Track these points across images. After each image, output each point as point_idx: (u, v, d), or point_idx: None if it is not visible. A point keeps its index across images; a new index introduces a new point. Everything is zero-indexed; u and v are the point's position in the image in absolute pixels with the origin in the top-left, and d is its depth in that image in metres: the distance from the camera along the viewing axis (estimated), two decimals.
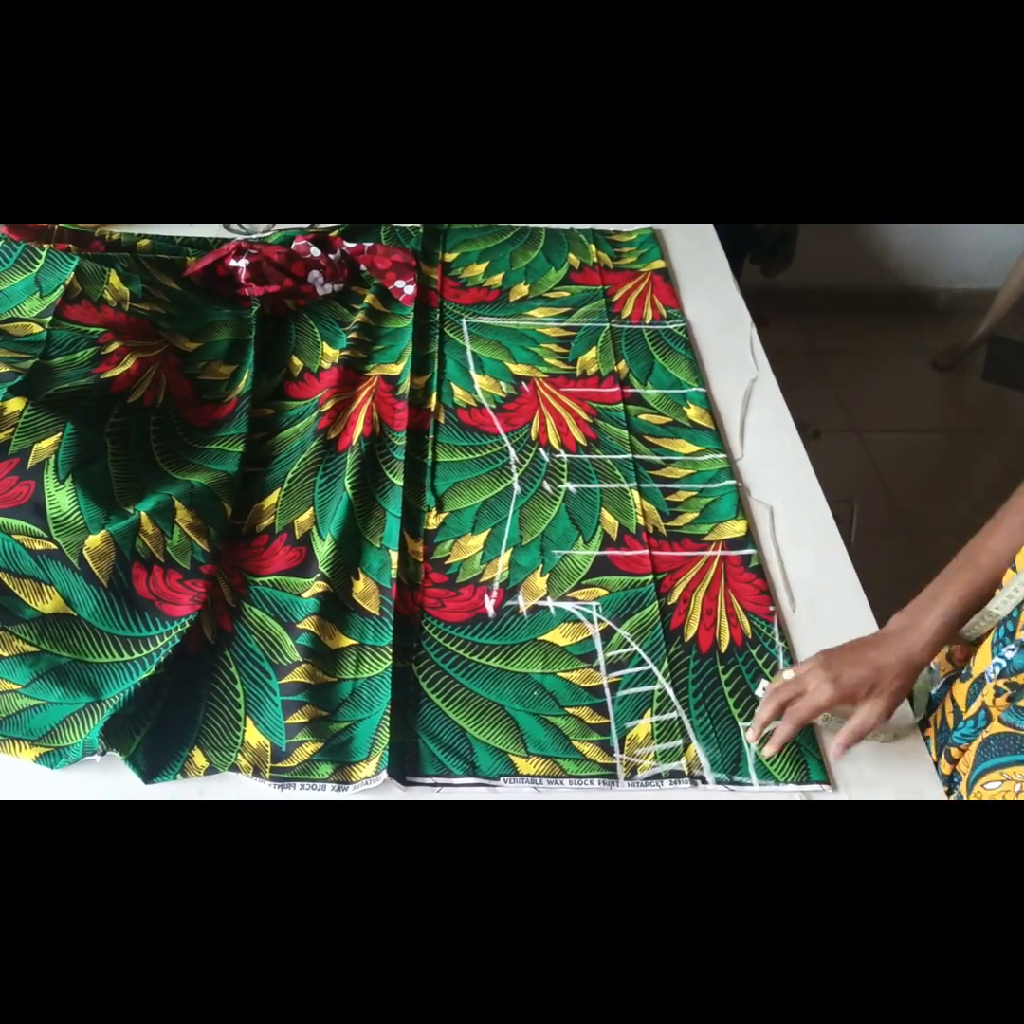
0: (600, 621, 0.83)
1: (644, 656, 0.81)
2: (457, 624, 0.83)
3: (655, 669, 0.80)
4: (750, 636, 0.83)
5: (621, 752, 0.74)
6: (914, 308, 2.50)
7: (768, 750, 0.71)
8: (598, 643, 0.82)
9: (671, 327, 1.16)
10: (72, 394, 0.85)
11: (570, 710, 0.77)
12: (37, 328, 0.91)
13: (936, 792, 0.73)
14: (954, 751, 0.72)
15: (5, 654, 0.72)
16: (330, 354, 1.07)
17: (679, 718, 0.76)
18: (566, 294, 1.20)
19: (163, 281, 1.05)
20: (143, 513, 0.79)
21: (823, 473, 0.99)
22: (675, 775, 0.73)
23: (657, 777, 0.73)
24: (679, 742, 0.75)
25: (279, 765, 0.72)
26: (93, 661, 0.74)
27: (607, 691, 0.79)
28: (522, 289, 1.21)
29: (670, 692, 0.78)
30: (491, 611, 0.84)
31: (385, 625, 0.81)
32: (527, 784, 0.72)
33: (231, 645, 0.79)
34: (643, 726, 0.76)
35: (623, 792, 0.72)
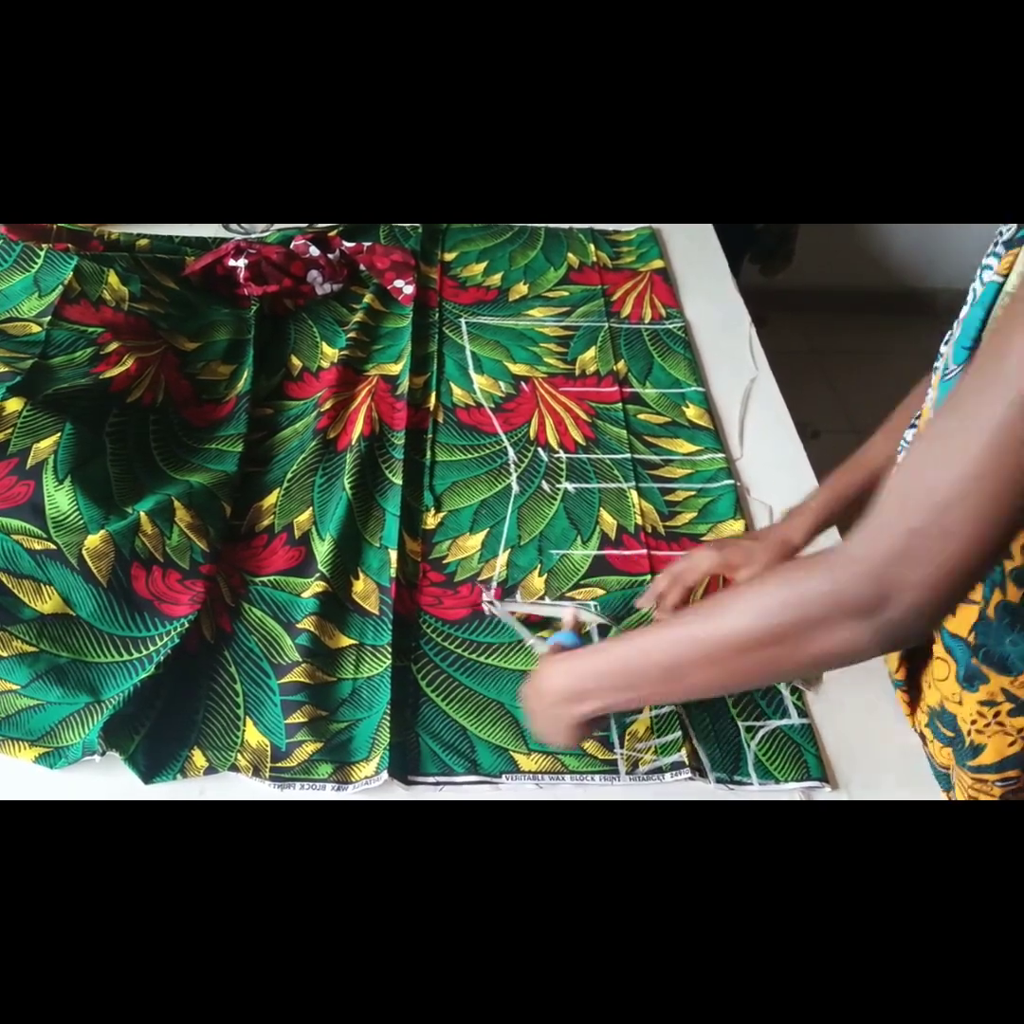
0: (599, 616, 0.83)
1: None
2: (455, 622, 0.83)
3: None
4: None
5: (621, 747, 0.75)
6: (914, 308, 2.49)
7: (642, 602, 0.81)
8: (596, 638, 0.82)
9: (670, 327, 1.16)
10: (71, 394, 0.85)
11: None
12: (36, 328, 0.91)
13: (936, 792, 0.73)
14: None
15: (4, 654, 0.72)
16: (329, 354, 1.07)
17: (677, 713, 0.76)
18: (565, 294, 1.20)
19: (162, 281, 1.05)
20: (142, 513, 0.79)
21: (823, 473, 0.98)
22: (676, 766, 0.73)
23: (658, 771, 0.73)
24: (678, 734, 0.75)
25: (279, 765, 0.72)
26: (92, 661, 0.74)
27: None
28: (521, 289, 1.21)
29: None
30: (489, 611, 0.84)
31: (385, 624, 0.81)
32: (529, 781, 0.72)
33: (230, 645, 0.79)
34: (642, 721, 0.76)
35: (625, 787, 0.72)
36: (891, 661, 0.74)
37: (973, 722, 0.65)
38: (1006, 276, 0.53)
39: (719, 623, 0.52)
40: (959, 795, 0.70)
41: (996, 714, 0.63)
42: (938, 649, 0.69)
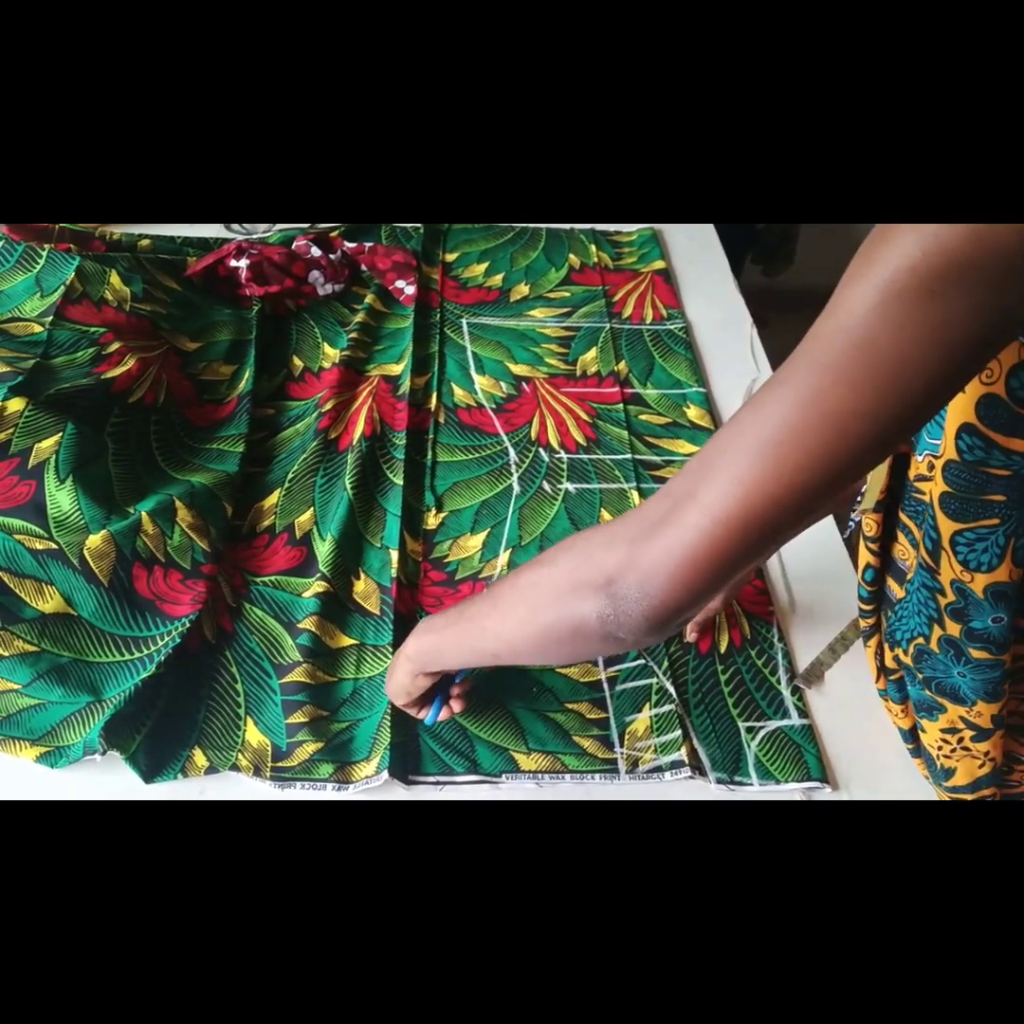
0: None
1: (645, 656, 0.81)
2: None
3: (654, 666, 0.80)
4: (749, 637, 0.83)
5: (621, 746, 0.75)
6: None
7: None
8: None
9: (671, 327, 1.16)
10: (73, 394, 0.85)
11: (569, 705, 0.77)
12: (38, 328, 0.91)
13: (936, 792, 0.73)
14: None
15: (6, 654, 0.72)
16: (331, 354, 1.08)
17: (676, 712, 0.76)
18: (566, 294, 1.20)
19: (164, 281, 1.05)
20: (144, 513, 0.79)
21: None
22: (676, 765, 0.73)
23: (658, 770, 0.73)
24: (678, 733, 0.75)
25: (279, 765, 0.72)
26: (94, 661, 0.75)
27: (606, 686, 0.79)
28: (522, 289, 1.21)
29: (670, 688, 0.78)
30: None
31: (385, 624, 0.81)
32: (529, 780, 0.72)
33: (232, 645, 0.80)
34: (642, 720, 0.76)
35: (625, 786, 0.72)
36: (872, 673, 0.75)
37: (939, 748, 0.65)
38: None
39: (516, 624, 0.54)
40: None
41: (960, 740, 0.64)
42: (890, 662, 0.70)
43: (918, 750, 0.71)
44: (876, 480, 0.65)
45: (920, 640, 0.63)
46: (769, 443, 0.41)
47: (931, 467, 0.58)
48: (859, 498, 0.71)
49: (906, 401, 0.39)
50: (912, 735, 0.70)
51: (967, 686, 0.60)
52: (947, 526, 0.55)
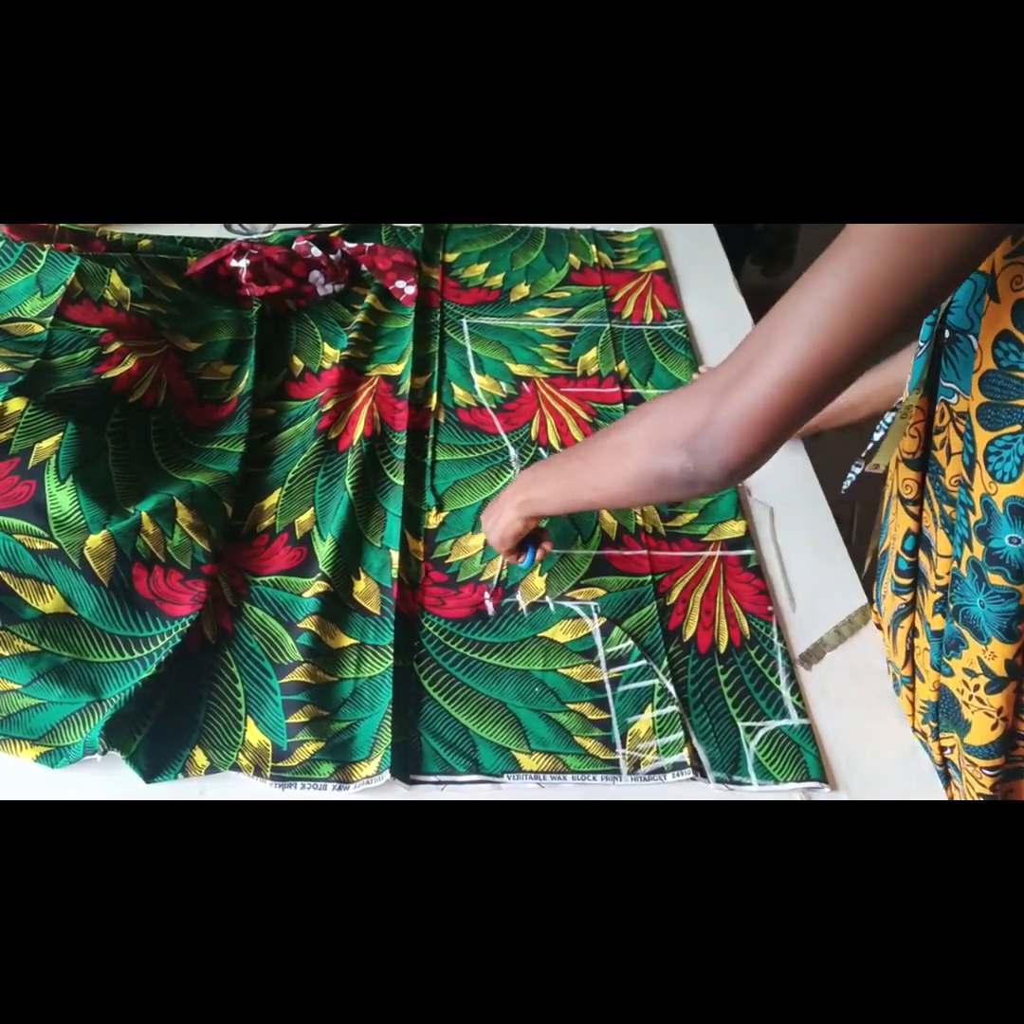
0: (600, 617, 0.83)
1: (646, 657, 0.81)
2: (457, 620, 0.83)
3: (654, 666, 0.80)
4: (749, 636, 0.83)
5: (623, 747, 0.75)
6: None
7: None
8: (598, 639, 0.82)
9: (671, 327, 1.16)
10: (73, 394, 0.85)
11: (571, 706, 0.77)
12: (38, 328, 0.91)
13: (936, 792, 0.73)
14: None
15: (6, 654, 0.72)
16: (331, 354, 1.08)
17: (678, 713, 0.76)
18: (567, 294, 1.20)
19: (164, 281, 1.05)
20: (144, 513, 0.79)
21: (823, 473, 0.99)
22: (678, 767, 0.73)
23: (659, 771, 0.73)
24: (680, 735, 0.75)
25: (280, 764, 0.72)
26: (94, 660, 0.75)
27: (608, 687, 0.79)
28: (523, 289, 1.21)
29: (670, 688, 0.78)
30: (491, 609, 0.84)
31: (386, 624, 0.81)
32: (530, 780, 0.72)
33: (232, 645, 0.80)
34: (644, 721, 0.76)
35: (626, 787, 0.72)
36: (897, 658, 0.75)
37: (961, 691, 0.65)
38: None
39: (609, 477, 0.64)
40: (959, 787, 0.71)
41: (975, 688, 0.63)
42: (922, 641, 0.70)
43: (937, 731, 0.70)
44: (891, 438, 0.66)
45: (954, 563, 0.63)
46: (814, 317, 0.48)
47: (942, 416, 0.61)
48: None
49: (927, 270, 0.45)
50: (935, 710, 0.70)
51: (985, 619, 0.60)
52: (983, 437, 0.56)
